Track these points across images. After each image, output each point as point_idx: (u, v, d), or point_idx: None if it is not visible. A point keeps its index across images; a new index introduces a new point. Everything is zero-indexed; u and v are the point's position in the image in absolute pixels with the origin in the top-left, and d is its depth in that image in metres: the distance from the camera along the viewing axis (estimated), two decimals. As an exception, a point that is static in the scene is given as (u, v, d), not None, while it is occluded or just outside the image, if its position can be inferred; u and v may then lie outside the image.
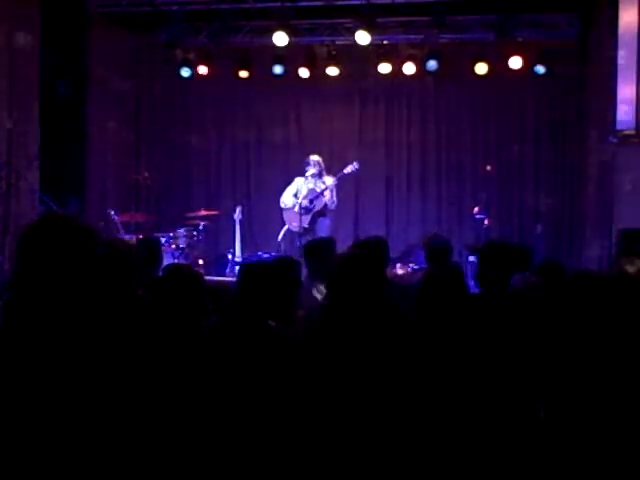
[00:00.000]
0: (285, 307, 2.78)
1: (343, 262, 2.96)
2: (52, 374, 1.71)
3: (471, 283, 7.16)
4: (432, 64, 9.49)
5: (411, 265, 8.29)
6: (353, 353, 2.62)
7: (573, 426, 2.38)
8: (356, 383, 2.55)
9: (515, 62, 9.34)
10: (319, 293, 4.24)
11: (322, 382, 2.54)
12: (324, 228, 8.72)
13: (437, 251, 4.72)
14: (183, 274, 2.97)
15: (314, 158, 8.85)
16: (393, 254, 5.81)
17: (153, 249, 4.81)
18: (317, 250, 4.68)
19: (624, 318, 2.60)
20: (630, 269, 3.86)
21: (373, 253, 4.12)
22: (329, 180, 8.75)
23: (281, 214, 9.02)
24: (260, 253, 8.58)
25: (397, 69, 9.79)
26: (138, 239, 6.57)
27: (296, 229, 8.75)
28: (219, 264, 9.14)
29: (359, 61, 10.07)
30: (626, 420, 2.35)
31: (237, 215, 9.06)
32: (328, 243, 4.98)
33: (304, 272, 4.56)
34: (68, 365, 1.73)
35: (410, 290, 4.22)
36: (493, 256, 3.92)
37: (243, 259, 8.40)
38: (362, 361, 2.60)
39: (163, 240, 8.35)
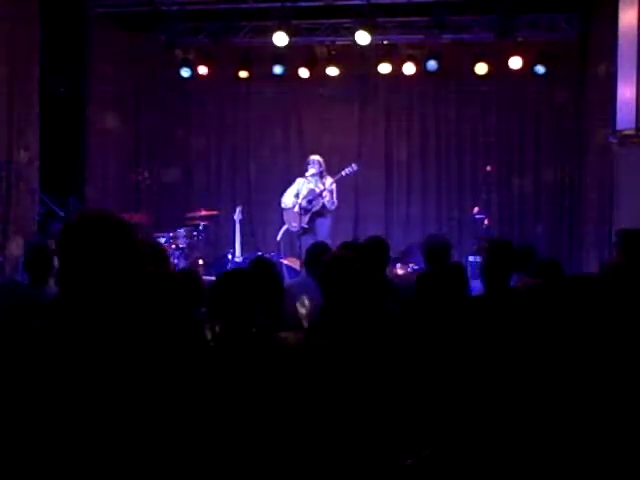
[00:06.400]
0: (269, 309, 2.78)
1: (330, 264, 2.97)
2: (97, 371, 1.74)
3: (474, 283, 7.14)
4: (432, 64, 9.51)
5: (411, 265, 8.29)
6: (343, 352, 2.61)
7: (575, 426, 2.37)
8: (347, 383, 2.55)
9: (515, 62, 9.36)
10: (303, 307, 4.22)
11: (312, 383, 2.53)
12: (324, 229, 8.71)
13: (435, 251, 4.71)
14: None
15: (315, 158, 8.82)
16: (393, 254, 5.80)
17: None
18: (316, 255, 4.66)
19: (621, 319, 2.59)
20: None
21: (366, 254, 4.13)
22: (328, 181, 8.74)
23: (281, 214, 9.02)
24: (260, 253, 8.60)
25: (397, 69, 9.79)
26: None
27: (295, 229, 8.75)
28: (219, 264, 9.12)
29: (359, 61, 10.07)
30: (628, 420, 2.35)
31: (237, 215, 9.05)
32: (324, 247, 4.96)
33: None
34: (112, 361, 1.75)
35: (409, 290, 4.23)
36: (497, 254, 3.94)
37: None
38: (351, 362, 2.60)
39: (163, 240, 8.35)
